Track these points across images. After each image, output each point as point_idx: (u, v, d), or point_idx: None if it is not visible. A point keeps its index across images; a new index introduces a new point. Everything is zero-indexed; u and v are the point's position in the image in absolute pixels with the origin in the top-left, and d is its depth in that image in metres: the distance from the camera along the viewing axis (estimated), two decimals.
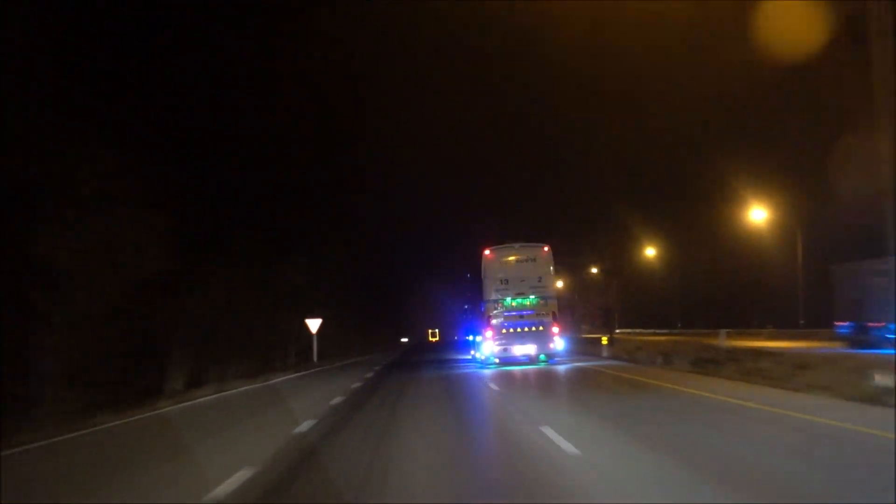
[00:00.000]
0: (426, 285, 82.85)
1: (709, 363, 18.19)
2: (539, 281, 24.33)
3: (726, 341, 23.40)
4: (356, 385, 17.33)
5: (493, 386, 16.04)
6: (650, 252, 56.66)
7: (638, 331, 56.60)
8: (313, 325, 29.41)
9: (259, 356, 29.00)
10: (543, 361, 23.80)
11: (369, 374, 21.84)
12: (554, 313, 24.21)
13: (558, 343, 24.17)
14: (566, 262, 54.90)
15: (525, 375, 19.12)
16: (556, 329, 23.97)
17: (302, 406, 12.72)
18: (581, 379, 17.83)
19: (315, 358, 29.52)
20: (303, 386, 18.27)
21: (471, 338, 32.69)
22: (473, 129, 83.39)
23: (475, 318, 28.67)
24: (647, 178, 62.22)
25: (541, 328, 23.76)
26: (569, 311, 59.30)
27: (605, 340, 26.28)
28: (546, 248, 25.02)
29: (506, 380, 17.70)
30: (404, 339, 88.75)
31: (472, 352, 30.04)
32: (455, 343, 59.34)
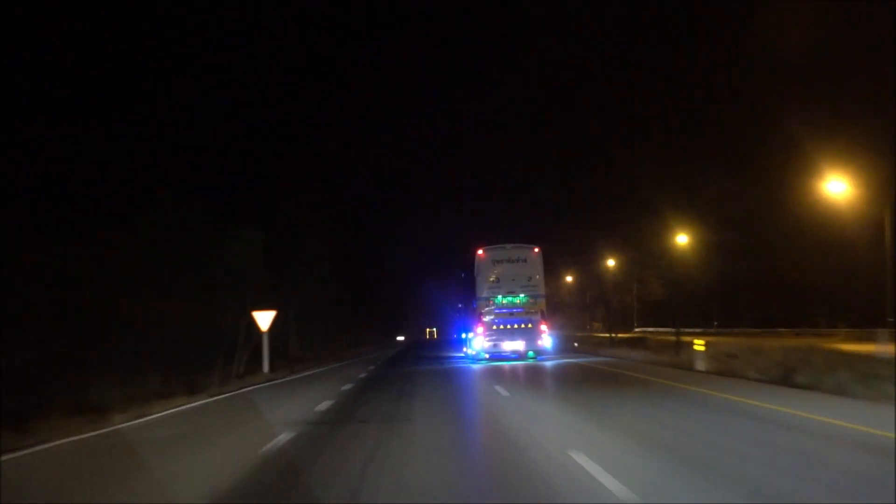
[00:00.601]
0: (425, 285, 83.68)
1: None
2: (529, 280, 25.07)
3: (892, 347, 14.84)
4: (281, 439, 8.77)
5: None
6: (682, 239, 47.30)
7: (663, 330, 47.70)
8: (263, 319, 20.86)
9: (196, 362, 20.58)
10: (532, 358, 24.31)
11: (324, 405, 12.95)
12: (542, 312, 25.05)
13: (546, 340, 24.81)
14: (575, 258, 46.89)
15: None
16: (544, 327, 24.79)
17: None
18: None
19: (266, 367, 20.81)
20: (174, 438, 9.45)
21: (464, 335, 32.98)
22: (475, 126, 76.16)
23: (468, 315, 29.03)
24: (678, 142, 53.19)
25: (529, 325, 24.66)
26: (583, 307, 51.50)
27: (699, 345, 17.28)
28: (536, 250, 25.71)
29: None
30: (400, 338, 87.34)
31: (464, 349, 30.14)
32: (451, 341, 58.43)
